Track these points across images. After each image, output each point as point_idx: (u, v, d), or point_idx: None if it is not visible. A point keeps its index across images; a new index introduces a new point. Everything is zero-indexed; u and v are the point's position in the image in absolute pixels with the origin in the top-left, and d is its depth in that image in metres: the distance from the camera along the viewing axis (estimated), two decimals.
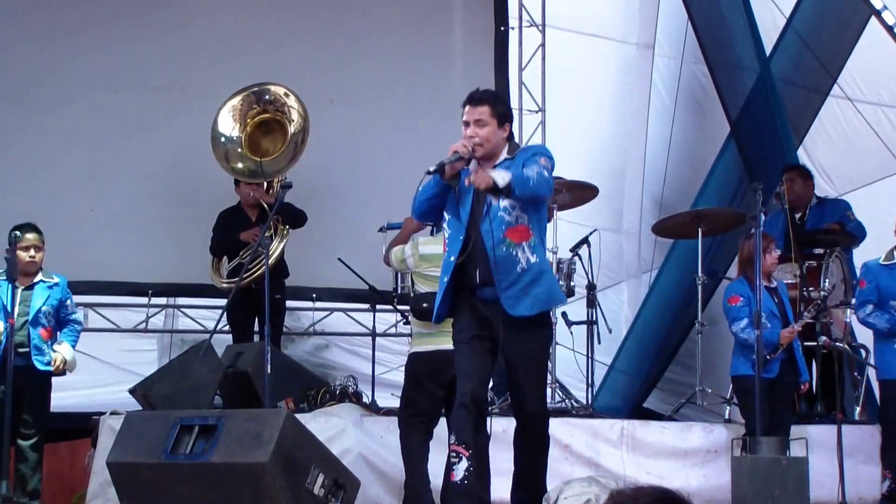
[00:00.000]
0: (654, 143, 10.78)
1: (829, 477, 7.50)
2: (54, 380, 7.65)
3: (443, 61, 10.23)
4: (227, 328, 8.98)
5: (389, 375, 9.44)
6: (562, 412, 8.17)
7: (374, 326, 9.36)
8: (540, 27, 10.23)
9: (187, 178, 9.62)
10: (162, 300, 10.15)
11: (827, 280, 8.49)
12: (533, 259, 5.63)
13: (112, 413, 7.51)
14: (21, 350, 7.26)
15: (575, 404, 8.59)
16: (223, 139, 8.99)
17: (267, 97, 9.02)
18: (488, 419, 5.80)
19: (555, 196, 8.48)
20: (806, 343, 8.14)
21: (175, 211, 9.67)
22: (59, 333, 7.57)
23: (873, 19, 9.11)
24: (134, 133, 9.74)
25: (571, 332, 9.25)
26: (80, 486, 7.68)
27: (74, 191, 9.66)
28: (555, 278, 6.38)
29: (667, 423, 8.21)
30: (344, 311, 10.18)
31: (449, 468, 5.78)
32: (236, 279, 8.34)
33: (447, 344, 6.43)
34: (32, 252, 7.44)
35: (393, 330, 10.14)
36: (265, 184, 9.03)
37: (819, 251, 8.63)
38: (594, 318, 8.88)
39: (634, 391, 9.72)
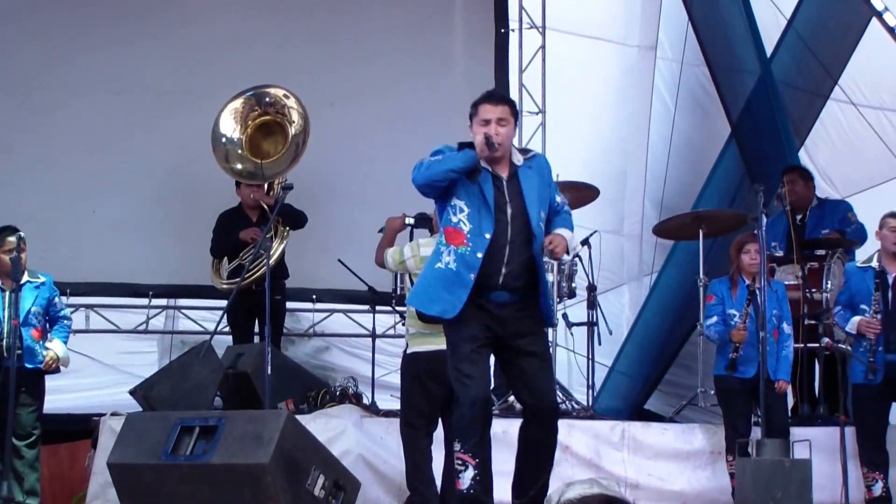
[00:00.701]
0: (656, 146, 10.77)
1: (832, 479, 7.50)
2: (55, 381, 7.65)
3: (443, 63, 10.23)
4: (227, 329, 8.98)
5: (389, 377, 9.42)
6: (563, 414, 8.14)
7: (373, 328, 9.35)
8: (540, 29, 10.24)
9: (188, 179, 9.61)
10: (162, 301, 10.14)
11: (829, 281, 8.47)
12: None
13: (112, 414, 7.51)
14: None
15: (576, 406, 8.58)
16: (224, 140, 8.99)
17: (267, 99, 9.02)
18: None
19: None
20: (808, 345, 8.13)
21: (176, 212, 9.66)
22: (49, 331, 7.58)
23: (874, 21, 9.10)
24: (135, 134, 9.74)
25: (572, 334, 9.24)
26: (80, 487, 7.68)
27: (75, 192, 9.66)
28: None
29: (668, 425, 8.21)
30: (344, 312, 10.17)
31: (453, 475, 5.71)
32: (236, 280, 8.34)
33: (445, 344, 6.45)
34: (15, 255, 7.42)
35: (392, 331, 10.14)
36: (265, 185, 9.02)
37: (821, 253, 8.62)
38: (595, 320, 8.87)
39: (635, 393, 9.70)
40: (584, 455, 7.73)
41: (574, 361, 9.32)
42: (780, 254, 8.66)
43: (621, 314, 10.85)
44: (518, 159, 5.77)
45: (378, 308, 9.35)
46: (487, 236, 5.56)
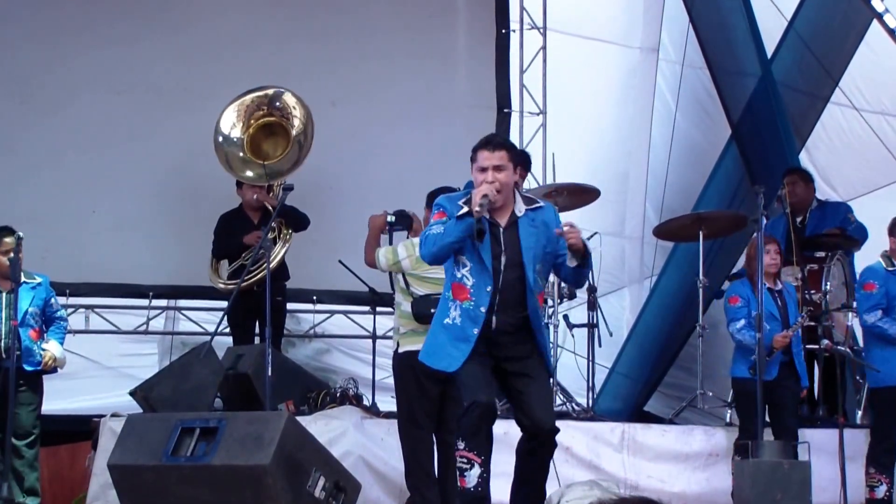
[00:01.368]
0: (658, 148, 10.75)
1: (831, 481, 7.50)
2: (54, 383, 7.66)
3: (444, 63, 10.23)
4: (227, 330, 8.97)
5: (390, 379, 9.39)
6: (563, 415, 8.16)
7: (374, 329, 9.35)
8: (541, 30, 10.23)
9: (189, 179, 9.60)
10: (162, 302, 10.12)
11: (828, 283, 8.47)
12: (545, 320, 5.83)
13: (112, 415, 7.51)
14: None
15: (576, 407, 8.58)
16: (221, 138, 8.95)
17: (277, 104, 8.97)
18: None
19: (556, 198, 8.49)
20: (808, 346, 8.13)
21: (176, 213, 9.65)
22: (45, 332, 7.58)
23: (876, 23, 9.09)
24: (136, 134, 9.72)
25: (572, 336, 9.24)
26: (80, 488, 7.68)
27: (76, 192, 9.65)
28: None
29: (668, 427, 8.22)
30: (344, 313, 10.16)
31: (455, 473, 5.76)
32: (236, 281, 8.33)
33: None
34: (12, 255, 7.42)
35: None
36: (266, 186, 9.01)
37: (820, 254, 8.62)
38: (595, 322, 8.86)
39: (635, 394, 9.70)
40: (584, 456, 7.75)
41: (574, 363, 9.31)
42: (776, 254, 8.64)
43: (622, 317, 10.85)
44: (520, 209, 5.76)
45: (378, 309, 9.34)
46: (488, 290, 5.65)
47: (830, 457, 7.55)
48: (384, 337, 9.28)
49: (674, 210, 10.09)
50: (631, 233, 10.95)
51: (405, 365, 6.99)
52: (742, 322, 7.59)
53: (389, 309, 9.39)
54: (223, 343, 8.80)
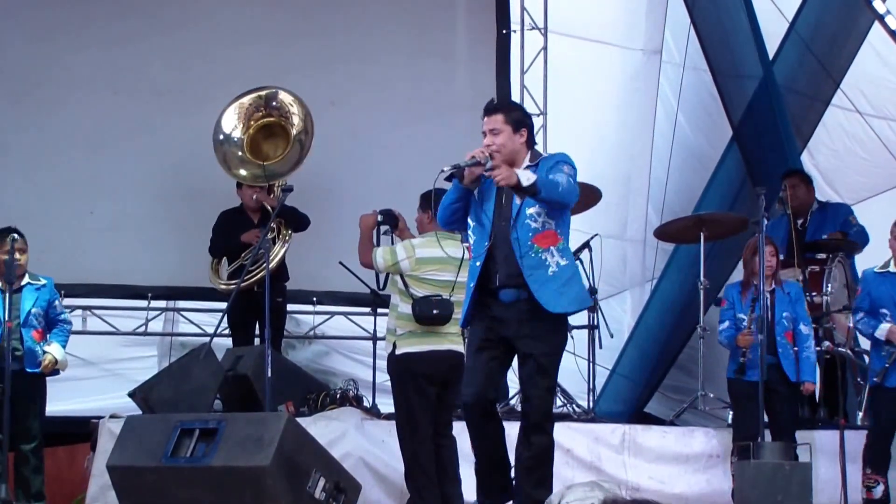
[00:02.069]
0: (661, 151, 10.72)
1: (832, 483, 7.50)
2: (53, 384, 7.62)
3: (444, 63, 10.22)
4: (227, 331, 8.95)
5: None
6: (563, 417, 8.15)
7: (374, 330, 9.33)
8: (542, 31, 10.22)
9: (188, 180, 9.58)
10: (161, 303, 10.10)
11: (829, 285, 8.46)
12: (563, 262, 5.76)
13: (111, 416, 7.50)
14: (15, 353, 7.25)
15: (577, 409, 8.58)
16: (222, 136, 8.94)
17: (274, 103, 8.97)
18: None
19: None
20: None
21: (175, 213, 9.63)
22: (48, 334, 7.54)
23: (877, 27, 9.08)
24: (134, 134, 9.71)
25: (573, 337, 9.18)
26: (79, 489, 7.66)
27: (73, 192, 9.63)
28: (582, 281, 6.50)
29: (668, 428, 8.22)
30: (345, 314, 10.14)
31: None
32: (236, 281, 8.31)
33: (439, 344, 6.82)
34: (17, 255, 7.39)
35: None
36: (266, 187, 8.99)
37: (822, 256, 8.61)
38: (595, 323, 8.85)
39: (636, 396, 9.68)
40: (585, 458, 7.75)
41: (575, 365, 9.29)
42: (780, 257, 8.64)
43: (623, 320, 10.82)
44: (523, 168, 5.77)
45: (380, 311, 9.32)
46: (486, 244, 5.76)
47: (831, 458, 7.54)
48: (384, 338, 9.24)
49: (675, 212, 10.08)
50: (633, 236, 10.92)
51: (403, 367, 6.98)
52: (726, 324, 7.70)
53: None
54: (223, 344, 8.79)
